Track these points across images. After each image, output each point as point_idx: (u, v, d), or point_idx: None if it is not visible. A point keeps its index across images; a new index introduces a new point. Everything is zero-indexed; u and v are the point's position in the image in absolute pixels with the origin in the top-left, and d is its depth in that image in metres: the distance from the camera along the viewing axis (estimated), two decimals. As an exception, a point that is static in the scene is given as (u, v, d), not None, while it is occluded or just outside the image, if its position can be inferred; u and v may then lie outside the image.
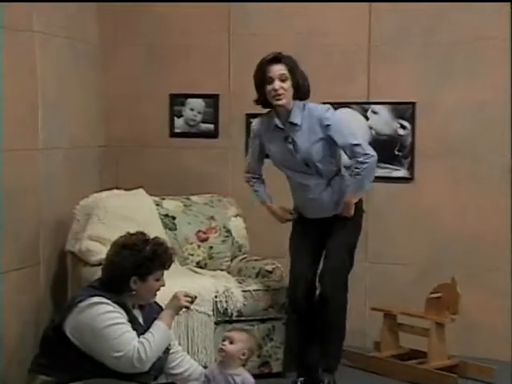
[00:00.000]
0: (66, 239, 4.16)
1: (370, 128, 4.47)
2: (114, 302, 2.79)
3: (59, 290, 4.19)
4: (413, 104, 4.39)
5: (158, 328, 2.84)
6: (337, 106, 4.45)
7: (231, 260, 4.40)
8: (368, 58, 4.45)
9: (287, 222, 3.78)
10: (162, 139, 4.79)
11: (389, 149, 4.42)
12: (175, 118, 4.78)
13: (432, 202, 4.40)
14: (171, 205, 4.40)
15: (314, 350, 3.68)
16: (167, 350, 2.95)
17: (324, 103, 4.49)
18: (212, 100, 4.70)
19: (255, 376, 3.12)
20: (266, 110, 3.73)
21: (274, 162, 3.69)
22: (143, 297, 2.89)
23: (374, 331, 4.35)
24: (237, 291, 3.93)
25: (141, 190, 4.39)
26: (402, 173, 4.45)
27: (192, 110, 4.75)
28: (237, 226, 4.46)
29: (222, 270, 4.30)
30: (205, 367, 3.16)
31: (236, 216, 4.48)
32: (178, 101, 4.76)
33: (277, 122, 3.57)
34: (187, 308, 2.99)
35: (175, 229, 4.33)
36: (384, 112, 4.44)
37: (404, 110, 4.40)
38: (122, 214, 4.12)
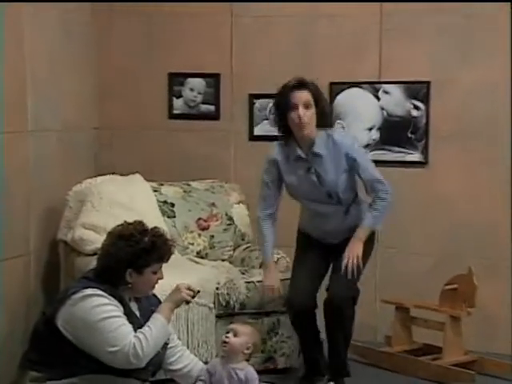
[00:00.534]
0: (57, 227, 4.16)
1: (382, 109, 4.46)
2: (110, 295, 2.77)
3: (51, 282, 4.19)
4: (427, 83, 4.37)
5: (156, 322, 2.81)
6: (346, 85, 4.46)
7: (234, 249, 4.41)
8: (380, 35, 4.44)
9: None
10: (160, 121, 4.78)
11: (401, 131, 4.42)
12: (174, 99, 4.76)
13: (447, 188, 4.40)
14: (170, 191, 4.41)
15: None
16: (165, 345, 2.94)
17: (333, 84, 4.50)
18: (213, 80, 4.69)
19: (260, 372, 3.11)
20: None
21: (292, 193, 3.63)
22: (140, 290, 2.87)
23: (385, 325, 4.36)
24: (240, 282, 3.92)
25: (137, 176, 4.40)
26: (415, 157, 4.44)
27: (192, 90, 4.74)
28: (239, 213, 4.46)
29: (223, 260, 4.30)
30: (205, 363, 3.16)
31: (239, 203, 4.48)
32: (177, 80, 4.74)
33: (299, 152, 3.52)
34: (188, 302, 2.97)
35: (174, 216, 4.32)
36: (396, 92, 4.42)
37: (418, 90, 4.38)
38: (118, 200, 4.12)
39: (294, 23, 4.54)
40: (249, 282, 3.95)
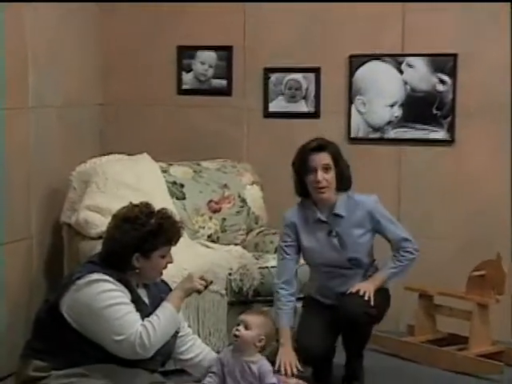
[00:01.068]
0: (61, 210, 4.16)
1: (405, 83, 4.43)
2: (116, 280, 2.77)
3: (54, 267, 4.19)
4: (454, 56, 4.33)
5: (165, 310, 2.79)
6: (366, 58, 4.42)
7: (247, 233, 4.41)
8: (403, 3, 4.39)
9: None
10: (168, 97, 4.76)
11: (426, 107, 4.38)
12: (183, 73, 4.74)
13: (475, 168, 4.38)
14: (179, 171, 4.40)
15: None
16: (176, 334, 2.93)
17: (352, 56, 4.44)
18: (225, 53, 4.68)
19: (273, 363, 3.12)
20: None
21: (310, 259, 3.57)
22: (148, 275, 2.86)
23: (408, 314, 4.34)
24: (253, 268, 3.92)
25: (145, 155, 4.39)
26: (440, 134, 4.40)
27: (202, 63, 4.72)
28: (253, 195, 4.45)
29: (236, 244, 4.28)
30: (217, 352, 3.14)
31: (252, 184, 4.47)
32: (186, 53, 4.73)
33: (319, 214, 3.51)
34: (199, 292, 2.97)
35: (184, 198, 4.32)
36: (421, 65, 4.38)
37: (444, 63, 4.35)
38: (124, 181, 4.11)
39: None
40: (263, 268, 3.94)
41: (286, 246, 3.55)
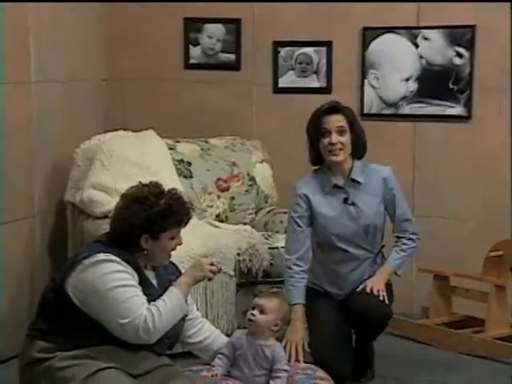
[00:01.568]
0: (64, 188, 4.16)
1: (420, 57, 4.41)
2: (124, 260, 2.75)
3: (57, 247, 4.19)
4: (472, 28, 4.30)
5: (172, 296, 2.80)
6: (380, 31, 4.38)
7: (256, 212, 4.41)
8: None
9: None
10: (175, 71, 4.75)
11: (442, 81, 4.37)
12: (190, 47, 4.74)
13: (492, 145, 4.36)
14: (186, 148, 4.39)
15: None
16: (184, 317, 2.92)
17: (366, 29, 4.41)
18: (233, 25, 4.67)
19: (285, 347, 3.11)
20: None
21: (324, 230, 3.46)
22: (156, 256, 2.85)
23: (423, 295, 4.35)
24: (263, 248, 3.92)
25: (151, 132, 4.39)
26: (457, 110, 4.38)
27: (210, 37, 4.71)
28: (262, 173, 4.44)
29: (245, 223, 4.28)
30: (227, 335, 3.13)
31: (261, 162, 4.47)
32: (193, 26, 4.72)
33: (335, 180, 3.44)
34: (209, 279, 2.95)
35: (191, 176, 4.32)
36: (437, 38, 4.36)
37: (461, 36, 4.33)
38: (130, 158, 4.11)
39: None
40: (272, 248, 3.95)
41: (297, 216, 3.45)
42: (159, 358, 2.82)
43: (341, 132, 3.39)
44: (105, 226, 3.71)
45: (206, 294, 3.76)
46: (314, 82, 4.56)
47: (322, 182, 3.46)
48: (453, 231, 4.42)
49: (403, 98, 4.43)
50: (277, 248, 3.93)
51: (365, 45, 4.43)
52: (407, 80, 4.42)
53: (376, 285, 3.36)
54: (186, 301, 2.86)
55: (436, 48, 4.34)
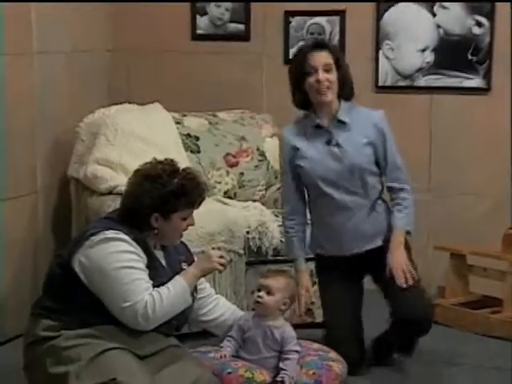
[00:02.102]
0: (68, 163, 4.16)
1: (438, 27, 4.39)
2: (133, 239, 2.75)
3: (61, 224, 4.20)
4: None
5: (177, 285, 2.79)
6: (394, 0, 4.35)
7: (266, 189, 4.41)
8: None
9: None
10: (181, 42, 4.75)
11: (461, 52, 4.35)
12: (198, 17, 4.73)
13: None
14: (194, 122, 4.38)
15: None
16: (193, 297, 2.90)
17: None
18: None
19: (296, 326, 3.08)
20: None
21: (309, 174, 3.42)
22: (167, 236, 2.85)
23: (439, 274, 4.33)
24: (273, 226, 3.91)
25: (157, 105, 4.38)
26: (476, 82, 4.38)
27: (218, 6, 4.71)
28: (273, 148, 4.41)
29: (254, 200, 4.28)
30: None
31: (272, 136, 4.45)
32: None
33: (318, 120, 3.38)
34: (220, 272, 2.96)
35: (199, 151, 4.31)
36: (455, 6, 4.34)
37: (481, 4, 4.30)
38: (135, 133, 4.11)
39: None
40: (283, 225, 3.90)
41: (289, 170, 3.44)
42: (167, 339, 2.83)
43: (327, 70, 3.33)
44: (109, 203, 3.74)
45: (214, 273, 3.73)
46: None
47: (305, 124, 3.43)
48: (470, 208, 4.42)
49: (419, 69, 4.40)
50: (287, 225, 3.94)
51: (379, 14, 4.41)
52: (423, 51, 4.39)
53: (399, 263, 3.29)
54: (194, 291, 2.86)
55: (454, 17, 4.33)
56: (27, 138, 3.98)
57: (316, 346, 3.12)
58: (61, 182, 4.22)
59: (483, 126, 4.38)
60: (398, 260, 3.32)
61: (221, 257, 2.89)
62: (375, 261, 3.39)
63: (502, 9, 4.25)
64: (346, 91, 3.39)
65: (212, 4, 4.67)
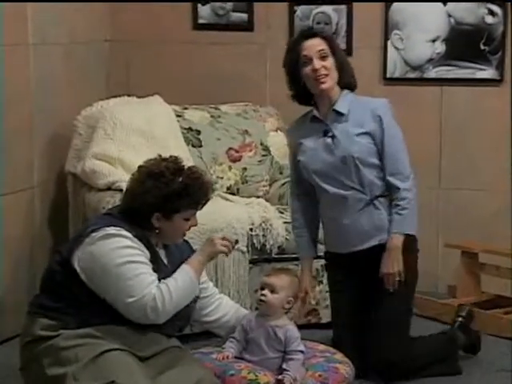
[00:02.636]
0: (65, 157, 4.16)
1: (449, 16, 4.39)
2: (135, 236, 2.76)
3: (58, 220, 4.21)
4: None
5: (184, 274, 2.81)
6: None
7: (270, 185, 4.41)
8: None
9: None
10: (182, 32, 4.75)
11: (473, 42, 4.35)
12: (199, 6, 4.73)
13: None
14: (195, 116, 4.39)
15: None
16: (196, 298, 2.92)
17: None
18: None
19: (301, 326, 3.09)
20: None
21: (306, 168, 3.42)
22: (168, 236, 2.87)
23: (449, 273, 4.36)
24: (277, 223, 3.92)
25: (157, 97, 4.39)
26: (488, 73, 4.37)
27: None
28: (277, 142, 4.44)
29: (258, 196, 4.29)
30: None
31: (276, 130, 4.47)
32: None
33: (315, 112, 3.38)
34: (226, 254, 2.95)
35: (200, 146, 4.32)
36: None
37: None
38: (135, 126, 4.11)
39: None
40: (288, 223, 3.92)
41: (290, 161, 3.49)
42: (168, 340, 2.84)
43: (322, 57, 3.31)
44: (108, 199, 3.75)
45: (217, 271, 3.78)
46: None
47: (306, 118, 3.43)
48: (482, 204, 4.41)
49: (429, 60, 4.40)
50: (292, 222, 3.95)
51: (388, 3, 4.40)
52: (434, 41, 4.39)
53: (389, 269, 3.29)
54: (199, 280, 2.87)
55: (466, 5, 4.34)
56: (24, 132, 3.99)
57: (322, 347, 3.13)
58: (58, 177, 4.23)
59: (496, 119, 4.37)
60: (389, 266, 3.31)
61: (223, 238, 2.89)
62: (372, 262, 3.36)
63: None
64: (345, 78, 3.36)
65: (214, -8, 4.70)
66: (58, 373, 2.65)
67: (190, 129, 4.32)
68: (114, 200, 3.65)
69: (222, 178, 4.31)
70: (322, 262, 3.86)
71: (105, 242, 2.71)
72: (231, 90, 4.61)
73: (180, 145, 4.20)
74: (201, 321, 3.05)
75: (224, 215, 3.84)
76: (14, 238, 3.92)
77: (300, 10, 4.55)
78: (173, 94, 4.47)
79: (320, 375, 2.90)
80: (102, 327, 2.71)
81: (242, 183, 4.34)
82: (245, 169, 4.34)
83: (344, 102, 3.35)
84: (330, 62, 3.31)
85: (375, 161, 3.35)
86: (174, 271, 2.82)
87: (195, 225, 2.88)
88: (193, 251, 2.98)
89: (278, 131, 4.45)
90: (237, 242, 2.98)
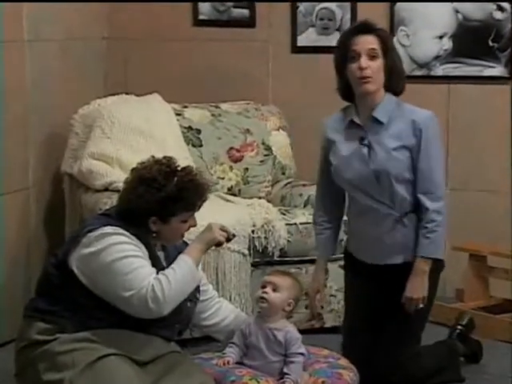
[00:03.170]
0: (61, 157, 4.18)
1: (456, 12, 4.40)
2: (133, 235, 2.76)
3: (54, 221, 4.23)
4: None
5: (181, 263, 2.79)
6: None
7: (272, 185, 4.43)
8: None
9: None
10: (182, 29, 4.76)
11: (481, 39, 4.36)
12: (199, 2, 4.73)
13: None
14: (195, 114, 4.41)
15: None
16: (196, 300, 2.92)
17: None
18: None
19: (304, 332, 3.08)
20: None
21: (336, 174, 3.32)
22: (166, 238, 2.86)
23: (457, 276, 4.34)
24: (279, 225, 3.94)
25: (156, 96, 4.40)
26: (497, 71, 4.39)
27: None
28: (279, 141, 4.45)
29: (260, 197, 4.30)
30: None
31: (278, 129, 4.48)
32: None
33: (354, 116, 3.25)
34: (220, 245, 2.94)
35: (201, 145, 4.33)
36: None
37: None
38: (133, 125, 4.13)
39: None
40: (290, 224, 3.96)
41: (321, 157, 3.36)
42: (167, 344, 2.83)
43: (372, 56, 3.19)
44: (105, 200, 3.76)
45: (218, 274, 3.79)
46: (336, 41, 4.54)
47: (343, 117, 3.32)
48: (491, 205, 4.42)
49: (436, 57, 4.42)
50: (295, 224, 3.95)
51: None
52: (441, 37, 4.40)
53: (415, 291, 3.22)
54: (197, 292, 2.87)
55: (474, 1, 4.33)
56: (19, 131, 4.00)
57: (325, 352, 3.13)
58: (54, 177, 4.24)
59: (505, 118, 4.37)
60: (413, 291, 3.24)
61: (222, 228, 2.87)
62: (393, 278, 3.29)
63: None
64: (393, 83, 3.23)
65: (214, -12, 4.71)
66: (54, 378, 2.65)
67: (189, 128, 4.33)
68: (111, 201, 3.66)
69: (222, 178, 4.32)
70: (327, 265, 3.90)
71: (102, 240, 2.71)
72: (232, 88, 4.62)
73: (180, 144, 4.22)
74: (199, 325, 3.04)
75: (225, 217, 3.82)
76: (10, 240, 3.94)
77: (303, 5, 4.57)
78: (172, 92, 4.48)
79: (323, 381, 2.90)
80: (100, 331, 2.71)
81: (244, 184, 4.35)
82: (246, 169, 4.36)
83: (385, 108, 3.23)
84: (378, 63, 3.19)
85: (410, 176, 3.26)
86: None
87: (195, 225, 2.87)
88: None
89: (281, 130, 4.47)
90: (234, 235, 2.94)
